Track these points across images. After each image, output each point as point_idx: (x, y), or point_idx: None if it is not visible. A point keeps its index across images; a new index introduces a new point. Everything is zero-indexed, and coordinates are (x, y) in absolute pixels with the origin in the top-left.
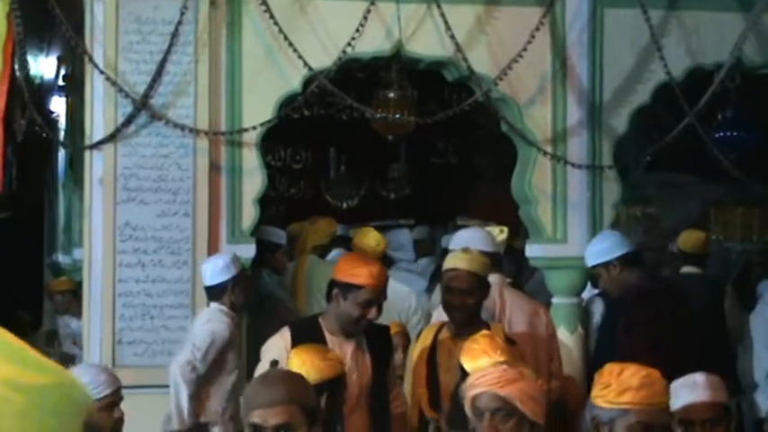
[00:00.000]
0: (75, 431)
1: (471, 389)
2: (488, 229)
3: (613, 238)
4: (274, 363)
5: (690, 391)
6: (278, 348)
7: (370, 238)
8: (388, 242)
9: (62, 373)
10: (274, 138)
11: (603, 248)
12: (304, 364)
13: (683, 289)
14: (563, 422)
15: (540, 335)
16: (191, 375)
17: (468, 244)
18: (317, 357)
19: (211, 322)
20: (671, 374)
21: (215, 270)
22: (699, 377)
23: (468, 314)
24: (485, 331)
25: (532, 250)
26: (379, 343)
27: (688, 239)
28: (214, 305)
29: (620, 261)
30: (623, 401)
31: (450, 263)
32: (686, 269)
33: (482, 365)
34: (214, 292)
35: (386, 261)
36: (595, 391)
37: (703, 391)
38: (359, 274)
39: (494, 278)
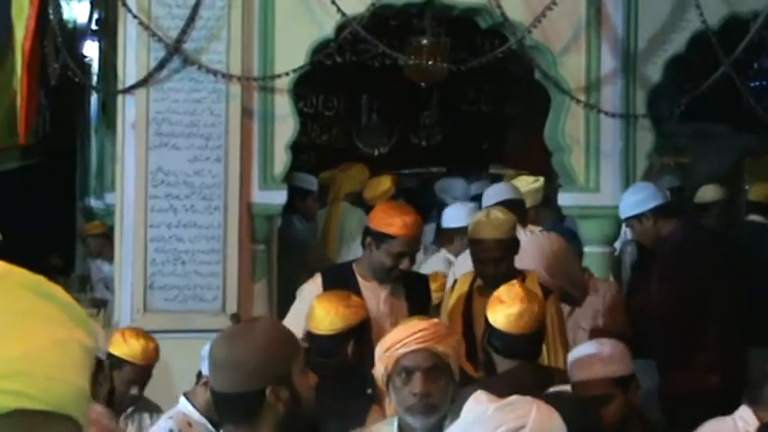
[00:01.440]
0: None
1: (398, 347)
2: (522, 177)
3: (647, 191)
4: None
5: (584, 365)
6: (311, 294)
7: (380, 184)
8: (444, 191)
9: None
10: (306, 84)
11: (637, 200)
12: (328, 313)
13: (745, 238)
14: None
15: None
16: None
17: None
18: (341, 305)
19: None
20: (695, 331)
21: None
22: (593, 348)
23: (502, 278)
24: (512, 281)
25: (564, 199)
26: (417, 290)
27: (761, 190)
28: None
29: (654, 213)
30: None
31: (474, 232)
32: (753, 217)
33: (500, 311)
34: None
35: (440, 208)
36: None
37: (599, 366)
38: (393, 223)
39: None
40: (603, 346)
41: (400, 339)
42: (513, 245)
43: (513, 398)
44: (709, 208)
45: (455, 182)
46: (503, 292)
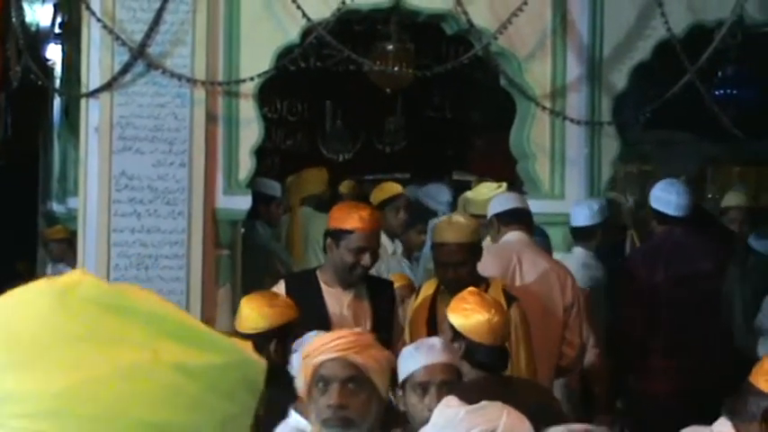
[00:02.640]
0: (252, 410)
1: (316, 355)
2: (486, 183)
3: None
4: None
5: (427, 352)
6: None
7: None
8: (429, 197)
9: (237, 348)
10: (271, 89)
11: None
12: (252, 312)
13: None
14: (586, 395)
15: (554, 298)
16: None
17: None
18: (265, 305)
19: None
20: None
21: (587, 213)
22: (435, 340)
23: (463, 283)
24: (471, 288)
25: (529, 206)
26: (381, 295)
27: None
28: (579, 250)
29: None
30: None
31: (437, 235)
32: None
33: (478, 323)
34: (581, 235)
35: (428, 215)
36: (766, 378)
37: (440, 354)
38: (349, 219)
39: (515, 235)
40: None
41: (318, 347)
42: (475, 250)
43: (484, 403)
44: (729, 212)
45: (440, 188)
46: (474, 302)
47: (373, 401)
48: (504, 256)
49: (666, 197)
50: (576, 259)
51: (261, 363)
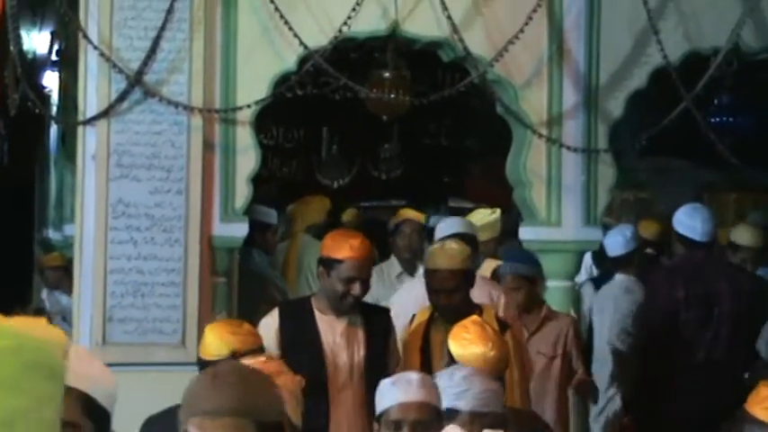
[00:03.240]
0: (56, 398)
1: None
2: (480, 210)
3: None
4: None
5: (403, 388)
6: (268, 328)
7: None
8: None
9: (14, 333)
10: (267, 116)
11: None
12: (215, 339)
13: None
14: None
15: None
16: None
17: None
18: (227, 331)
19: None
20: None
21: (622, 241)
22: (413, 376)
23: (456, 310)
24: (476, 317)
25: (525, 233)
26: (376, 323)
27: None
28: (621, 276)
29: None
30: None
31: (430, 262)
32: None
33: (473, 354)
34: (621, 263)
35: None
36: (763, 407)
37: (417, 392)
38: (340, 247)
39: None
40: (421, 376)
41: None
42: (467, 276)
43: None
44: (739, 251)
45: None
46: (475, 333)
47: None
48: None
49: (692, 223)
50: (618, 286)
51: (58, 341)
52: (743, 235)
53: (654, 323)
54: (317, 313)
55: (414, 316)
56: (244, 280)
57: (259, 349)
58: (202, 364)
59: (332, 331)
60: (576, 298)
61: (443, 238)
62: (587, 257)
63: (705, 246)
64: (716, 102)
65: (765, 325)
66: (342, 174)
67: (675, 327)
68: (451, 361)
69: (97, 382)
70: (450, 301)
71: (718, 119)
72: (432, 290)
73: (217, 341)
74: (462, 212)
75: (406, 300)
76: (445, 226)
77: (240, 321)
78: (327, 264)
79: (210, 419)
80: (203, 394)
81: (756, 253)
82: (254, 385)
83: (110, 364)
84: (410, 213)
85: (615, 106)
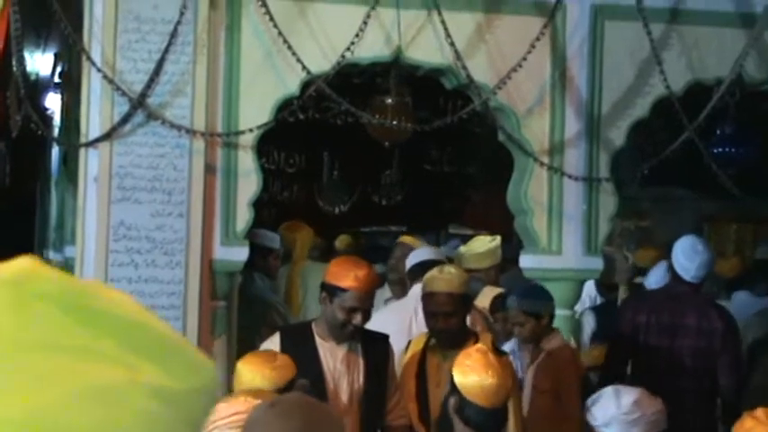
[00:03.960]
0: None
1: (211, 430)
2: (480, 237)
3: None
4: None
5: None
6: None
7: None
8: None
9: (212, 368)
10: (268, 141)
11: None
12: (255, 376)
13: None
14: None
15: None
16: None
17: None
18: (267, 367)
19: None
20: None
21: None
22: None
23: (452, 334)
24: (479, 345)
25: (526, 261)
26: (376, 350)
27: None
28: None
29: None
30: None
31: (428, 286)
32: None
33: (472, 382)
34: None
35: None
36: None
37: None
38: (346, 276)
39: (417, 288)
40: None
41: (213, 421)
42: (465, 301)
43: None
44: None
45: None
46: (477, 360)
47: None
48: (400, 310)
49: (687, 265)
50: None
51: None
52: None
53: (615, 345)
54: (317, 339)
55: (409, 342)
56: (245, 304)
57: (294, 378)
58: None
59: (332, 357)
60: (575, 327)
61: (414, 267)
62: (590, 286)
63: (693, 286)
64: (718, 132)
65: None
66: (342, 199)
67: (635, 350)
68: (452, 388)
69: None
70: (448, 324)
71: (720, 149)
72: (429, 313)
73: (258, 378)
74: (463, 239)
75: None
76: (414, 255)
77: (273, 353)
78: (331, 290)
79: None
80: (272, 426)
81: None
82: (323, 420)
83: None
84: (407, 239)
85: (617, 135)
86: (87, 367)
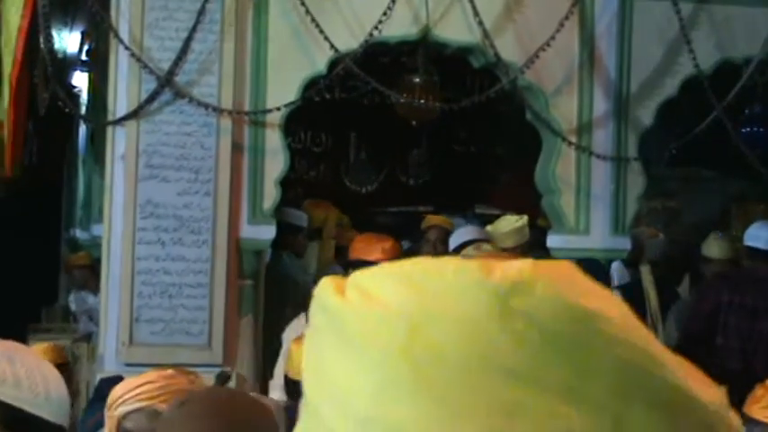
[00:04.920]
0: None
1: (119, 404)
2: (507, 216)
3: None
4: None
5: None
6: (296, 334)
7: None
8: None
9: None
10: (295, 120)
11: None
12: None
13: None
14: None
15: None
16: None
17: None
18: None
19: None
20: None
21: None
22: None
23: None
24: None
25: (554, 241)
26: None
27: None
28: None
29: None
30: None
31: None
32: None
33: None
34: None
35: None
36: (759, 407)
37: None
38: (372, 250)
39: None
40: None
41: (121, 395)
42: None
43: None
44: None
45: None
46: None
47: None
48: None
49: (758, 233)
50: None
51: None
52: (712, 248)
53: (692, 323)
54: None
55: None
56: (272, 283)
57: None
58: (291, 384)
59: None
60: None
61: (458, 248)
62: (618, 264)
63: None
64: (747, 112)
65: None
66: (369, 179)
67: (713, 330)
68: None
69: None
70: None
71: (748, 129)
72: None
73: None
74: (489, 219)
75: None
76: (458, 235)
77: None
78: (357, 266)
79: None
80: (169, 425)
81: (727, 265)
82: (235, 419)
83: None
84: (437, 220)
85: (645, 115)
86: (566, 411)
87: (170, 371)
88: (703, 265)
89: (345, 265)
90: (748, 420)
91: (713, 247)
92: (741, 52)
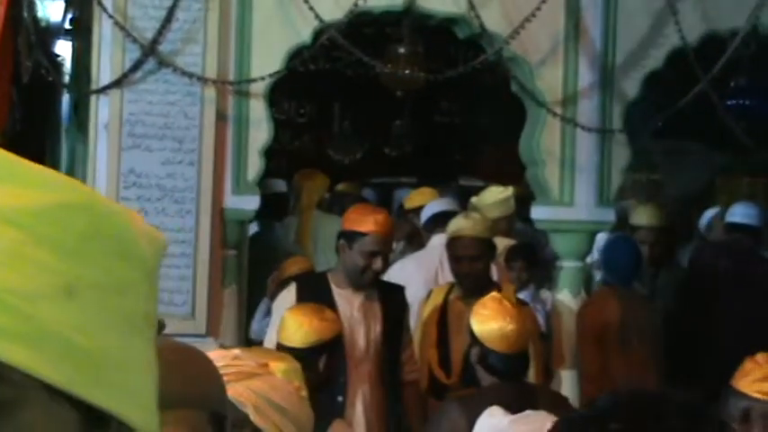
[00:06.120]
0: (135, 287)
1: None
2: (491, 188)
3: None
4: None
5: None
6: (286, 304)
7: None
8: None
9: (79, 189)
10: (279, 90)
11: None
12: (301, 326)
13: None
14: None
15: None
16: None
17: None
18: (315, 318)
19: None
20: None
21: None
22: None
23: (477, 279)
24: (495, 294)
25: (538, 212)
26: (393, 299)
27: None
28: None
29: None
30: None
31: (453, 230)
32: None
33: (491, 330)
34: None
35: None
36: (747, 381)
37: None
38: (365, 221)
39: (439, 239)
40: None
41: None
42: (490, 246)
43: (528, 412)
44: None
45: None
46: (492, 308)
47: None
48: (425, 260)
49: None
50: None
51: (129, 216)
52: (641, 216)
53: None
54: (334, 288)
55: (430, 292)
56: (258, 253)
57: (341, 334)
58: (285, 352)
59: (349, 305)
60: (587, 278)
61: (430, 219)
62: (603, 237)
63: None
64: (733, 84)
65: None
66: (353, 149)
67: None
68: (473, 339)
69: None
70: (473, 268)
71: (734, 101)
72: (455, 258)
73: (305, 329)
74: (473, 191)
75: (408, 275)
76: (429, 207)
77: (321, 307)
78: (350, 237)
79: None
80: None
81: (657, 233)
82: (198, 369)
83: None
84: (426, 192)
85: (631, 87)
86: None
87: (236, 351)
88: (632, 233)
89: (339, 236)
90: (733, 393)
91: (642, 215)
92: (727, 24)
